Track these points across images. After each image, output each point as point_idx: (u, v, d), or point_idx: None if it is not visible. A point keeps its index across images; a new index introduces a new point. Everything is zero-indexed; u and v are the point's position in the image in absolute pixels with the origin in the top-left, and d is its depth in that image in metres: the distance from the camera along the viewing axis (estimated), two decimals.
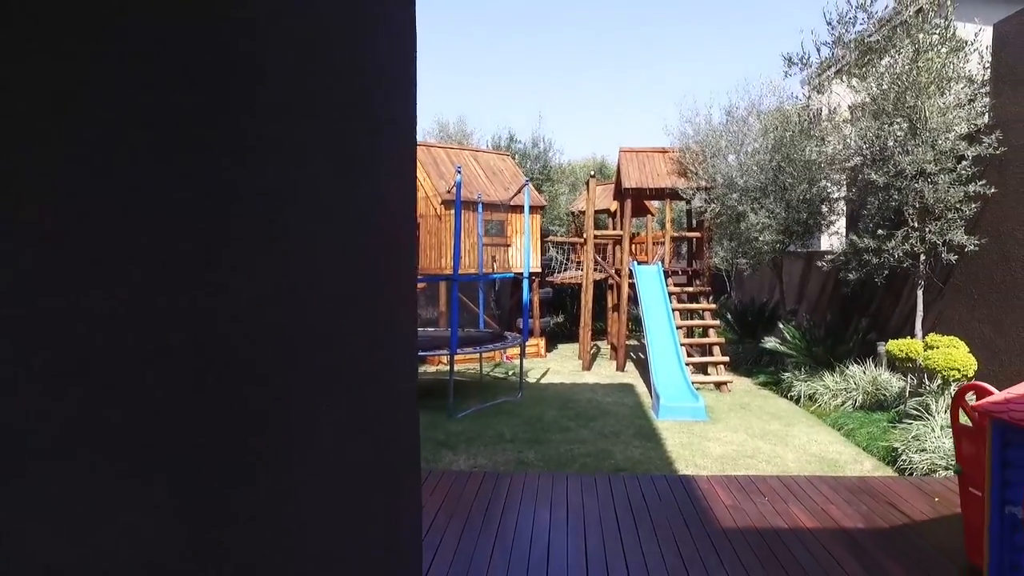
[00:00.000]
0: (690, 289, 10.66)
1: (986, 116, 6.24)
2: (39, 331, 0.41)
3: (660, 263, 10.47)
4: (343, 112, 0.79)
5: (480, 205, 9.26)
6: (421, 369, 9.63)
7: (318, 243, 0.73)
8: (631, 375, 10.00)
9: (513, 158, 12.96)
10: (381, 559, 0.92)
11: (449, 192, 9.77)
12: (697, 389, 8.10)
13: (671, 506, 3.84)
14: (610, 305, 11.91)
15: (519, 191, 10.36)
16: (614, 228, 12.63)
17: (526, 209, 8.82)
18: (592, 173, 12.01)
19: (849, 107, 7.49)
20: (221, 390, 0.57)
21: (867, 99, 6.92)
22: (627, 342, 10.80)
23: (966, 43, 6.53)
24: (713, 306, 10.30)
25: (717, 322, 10.12)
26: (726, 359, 9.36)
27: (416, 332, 1.12)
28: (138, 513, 0.48)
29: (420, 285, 10.08)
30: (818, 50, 7.42)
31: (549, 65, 49.20)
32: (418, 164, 10.05)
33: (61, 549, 0.42)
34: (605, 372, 10.29)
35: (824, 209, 8.60)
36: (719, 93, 26.34)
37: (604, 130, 47.32)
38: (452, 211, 10.09)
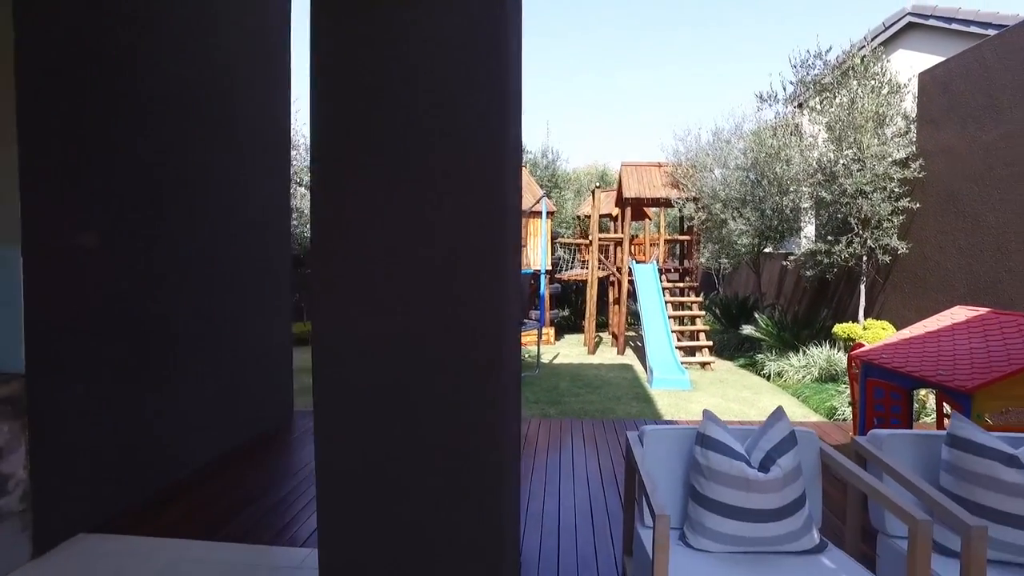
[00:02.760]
0: (681, 285, 12.30)
1: (913, 147, 7.87)
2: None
3: (655, 262, 12.11)
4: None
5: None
6: None
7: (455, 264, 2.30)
8: (630, 358, 11.63)
9: (526, 167, 14.57)
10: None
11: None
12: (684, 368, 9.74)
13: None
14: (611, 299, 13.53)
15: (537, 201, 11.93)
16: (615, 231, 14.26)
17: (543, 217, 10.37)
18: (597, 184, 13.64)
19: (810, 135, 9.12)
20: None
21: (823, 130, 8.56)
22: (626, 332, 12.42)
23: (901, 86, 8.17)
24: (700, 299, 11.94)
25: (703, 313, 11.76)
26: (710, 343, 10.99)
27: (520, 327, 2.69)
28: None
29: None
30: (784, 88, 9.05)
31: (551, 74, 50.82)
32: None
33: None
34: (607, 356, 11.91)
35: (793, 217, 10.22)
36: (708, 118, 28.77)
37: (604, 138, 48.99)
38: None
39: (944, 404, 3.80)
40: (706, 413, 2.60)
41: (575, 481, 4.32)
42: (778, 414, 2.53)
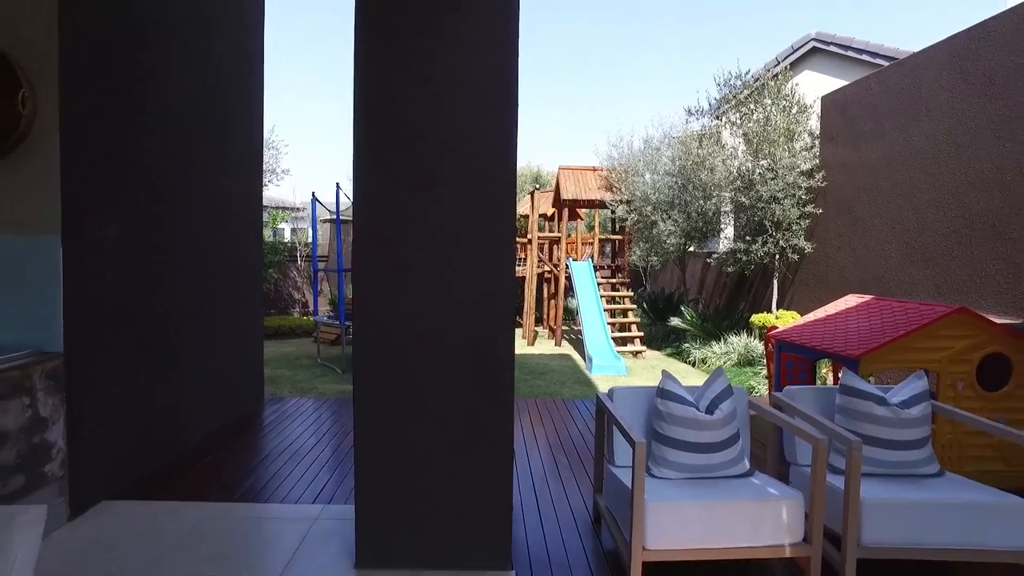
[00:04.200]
0: (614, 280, 13.23)
1: (817, 160, 9.01)
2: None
3: (590, 259, 12.98)
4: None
5: None
6: None
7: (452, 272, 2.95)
8: (567, 349, 12.45)
9: None
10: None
11: None
12: (619, 355, 10.63)
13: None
14: (547, 295, 14.33)
15: None
16: (551, 231, 15.07)
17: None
18: (536, 186, 14.41)
19: (731, 146, 10.18)
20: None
21: (742, 142, 9.61)
22: (562, 326, 13.24)
23: (807, 106, 9.31)
24: (631, 294, 12.91)
25: (634, 307, 12.73)
26: (641, 335, 11.96)
27: (512, 329, 3.35)
28: None
29: None
30: (708, 104, 10.08)
31: None
32: None
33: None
34: (546, 347, 12.69)
35: (716, 220, 11.30)
36: (638, 125, 30.53)
37: (537, 140, 50.03)
38: None
39: (839, 369, 4.71)
40: (664, 373, 3.33)
41: (538, 448, 5.00)
42: (718, 372, 3.29)
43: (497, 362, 2.97)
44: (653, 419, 3.24)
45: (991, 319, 4.23)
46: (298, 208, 20.75)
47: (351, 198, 3.15)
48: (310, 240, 14.83)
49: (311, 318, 12.66)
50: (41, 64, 3.42)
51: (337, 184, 9.12)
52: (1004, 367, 4.01)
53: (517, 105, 2.93)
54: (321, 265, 13.64)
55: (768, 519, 2.80)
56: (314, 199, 9.44)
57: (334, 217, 9.74)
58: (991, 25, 5.97)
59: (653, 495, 2.80)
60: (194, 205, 4.96)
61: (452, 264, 2.94)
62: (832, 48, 12.82)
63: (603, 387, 8.67)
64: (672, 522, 2.75)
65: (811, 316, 5.17)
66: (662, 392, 3.21)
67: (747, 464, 3.16)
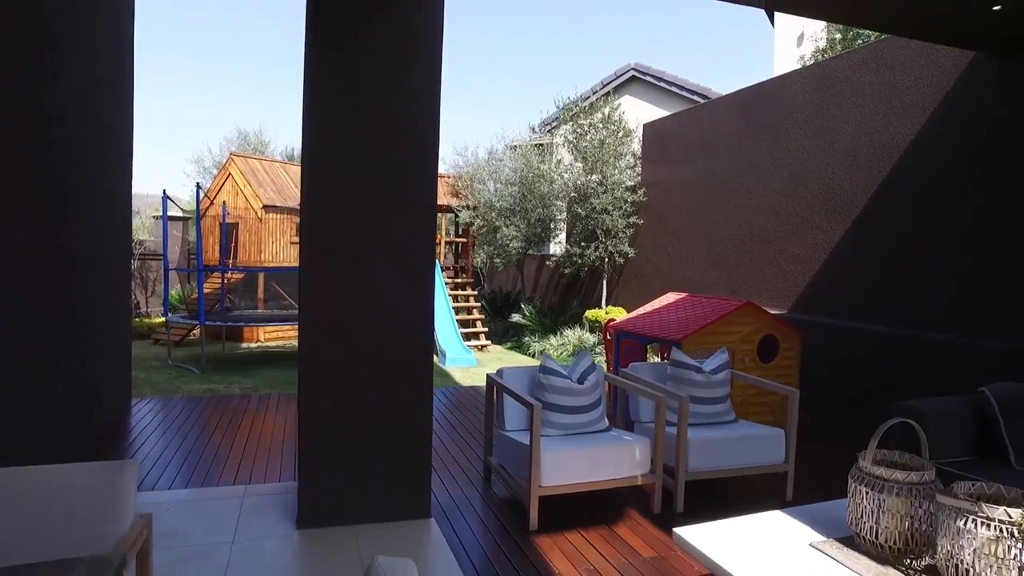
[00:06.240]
0: (458, 280, 14.12)
1: (639, 178, 10.58)
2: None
3: (437, 260, 13.75)
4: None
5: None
6: (255, 344, 11.60)
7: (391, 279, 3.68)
8: None
9: None
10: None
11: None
12: (469, 349, 11.53)
13: (467, 397, 7.06)
14: None
15: None
16: None
17: None
18: None
19: (568, 162, 11.51)
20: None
21: (579, 159, 10.95)
22: None
23: (631, 131, 10.87)
24: (475, 293, 13.89)
25: (479, 304, 13.72)
26: (485, 330, 12.97)
27: (432, 333, 4.06)
28: None
29: (238, 275, 11.97)
30: (547, 124, 11.32)
31: None
32: (240, 174, 11.93)
33: None
34: None
35: (553, 227, 12.61)
36: (483, 137, 32.32)
37: None
38: (271, 215, 12.19)
39: (665, 350, 5.96)
40: (544, 355, 4.22)
41: None
42: (583, 353, 4.25)
43: (417, 349, 3.67)
44: (536, 390, 4.11)
45: (767, 310, 5.68)
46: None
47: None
48: (146, 237, 14.00)
49: (151, 319, 12.05)
50: None
51: (197, 184, 9.01)
52: (774, 345, 5.46)
53: (438, 128, 3.65)
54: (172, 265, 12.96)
55: (625, 458, 3.79)
56: (165, 196, 9.20)
57: (189, 216, 9.56)
58: (765, 85, 7.69)
59: (543, 447, 3.67)
60: (74, 208, 4.93)
61: (381, 270, 3.58)
62: (648, 78, 14.81)
63: (458, 378, 9.49)
64: (558, 465, 3.64)
65: (641, 310, 6.41)
66: (543, 368, 4.10)
67: (606, 422, 4.15)
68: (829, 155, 6.59)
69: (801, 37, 11.71)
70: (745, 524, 2.49)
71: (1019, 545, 1.70)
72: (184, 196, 16.59)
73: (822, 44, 10.92)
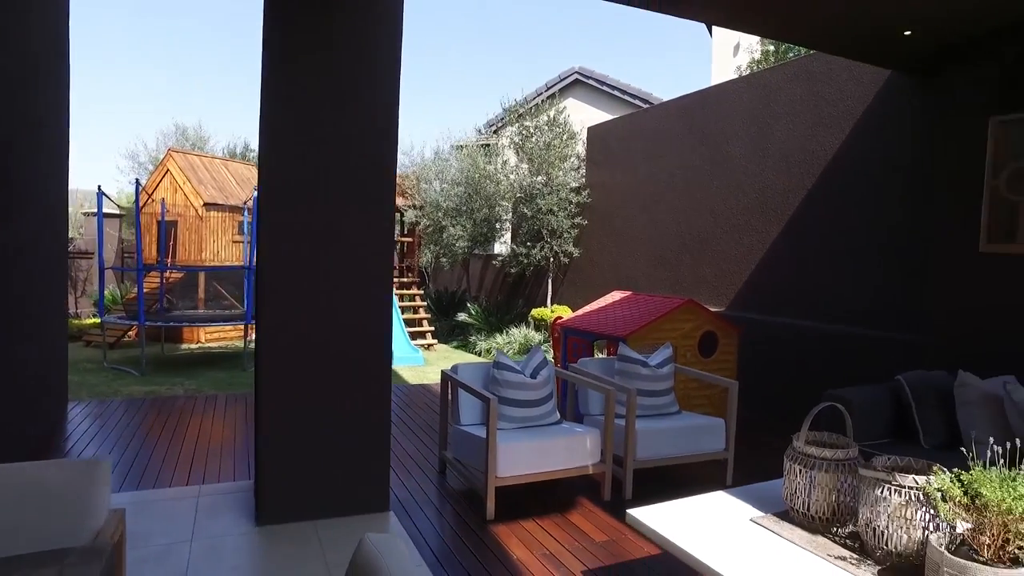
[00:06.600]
0: (404, 280, 14.11)
1: (584, 179, 10.85)
2: None
3: None
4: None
5: (245, 209, 11.25)
6: (195, 345, 11.30)
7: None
8: None
9: (250, 163, 14.86)
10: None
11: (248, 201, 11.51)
12: (416, 348, 11.56)
13: (417, 395, 7.14)
14: None
15: (250, 198, 12.29)
16: None
17: (255, 212, 10.76)
18: None
19: (515, 164, 11.69)
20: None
21: (525, 160, 11.14)
22: None
23: (575, 134, 11.13)
24: (421, 292, 13.91)
25: (425, 303, 13.75)
26: (432, 329, 13.02)
27: (391, 330, 4.14)
28: None
29: (178, 274, 11.64)
30: (492, 125, 11.47)
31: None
32: (179, 170, 11.61)
33: None
34: None
35: (499, 227, 12.76)
36: (429, 137, 32.23)
37: None
38: (212, 213, 11.90)
39: (611, 347, 6.19)
40: (498, 352, 4.36)
41: None
42: (536, 348, 4.41)
43: (375, 348, 3.75)
44: (490, 385, 4.25)
45: (707, 307, 5.99)
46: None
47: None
48: (74, 235, 13.40)
49: (80, 320, 11.57)
50: None
51: (137, 181, 8.73)
52: (714, 340, 5.76)
53: (397, 132, 3.74)
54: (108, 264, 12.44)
55: (577, 449, 3.98)
56: (100, 193, 8.87)
57: (123, 213, 9.24)
58: (705, 93, 8.06)
59: (499, 439, 3.81)
60: (14, 207, 4.79)
61: (340, 269, 3.65)
62: (591, 82, 15.15)
63: (406, 376, 9.53)
64: (513, 457, 3.79)
65: (587, 308, 6.63)
66: (498, 364, 4.24)
67: (558, 415, 4.33)
68: (764, 161, 6.98)
69: (737, 47, 12.25)
70: (692, 504, 2.70)
71: (924, 508, 1.95)
72: (115, 191, 15.95)
73: (757, 56, 11.46)
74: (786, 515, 2.48)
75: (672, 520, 2.50)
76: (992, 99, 4.69)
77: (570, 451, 3.97)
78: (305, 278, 3.59)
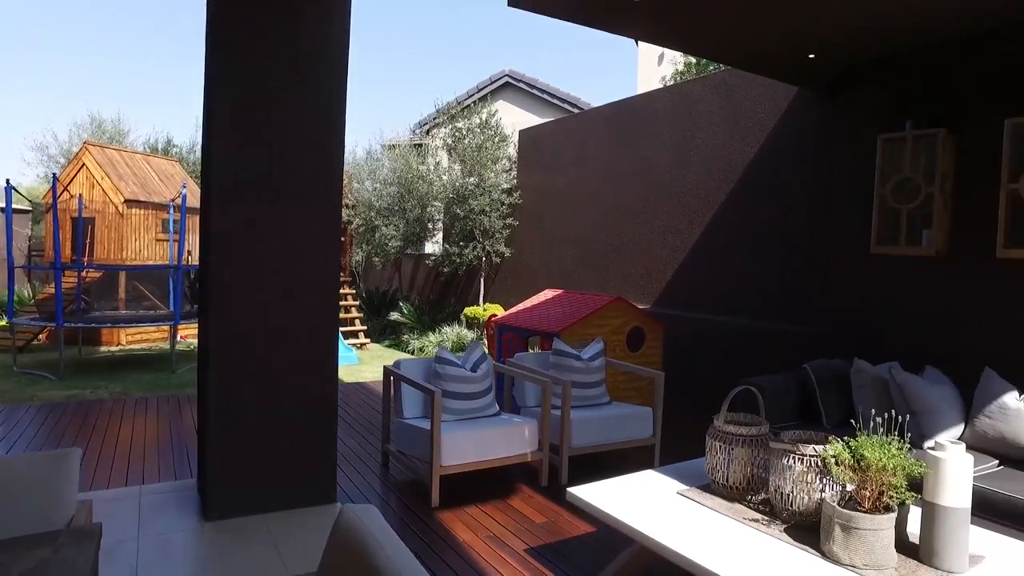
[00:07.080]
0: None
1: (515, 181, 11.13)
2: None
3: None
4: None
5: (172, 207, 10.86)
6: (116, 347, 10.84)
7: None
8: None
9: (177, 161, 14.33)
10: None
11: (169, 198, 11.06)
12: (350, 347, 11.53)
13: (354, 392, 7.20)
14: None
15: (178, 195, 11.89)
16: None
17: (183, 210, 10.48)
18: None
19: (447, 165, 11.83)
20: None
21: (457, 162, 11.31)
22: None
23: (507, 136, 11.39)
24: (352, 292, 13.84)
25: (357, 303, 13.69)
26: (364, 328, 13.00)
27: (337, 331, 4.25)
28: None
29: (96, 273, 11.13)
30: (425, 124, 11.58)
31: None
32: (96, 165, 11.12)
33: None
34: None
35: (431, 227, 12.87)
36: (362, 137, 32.14)
37: None
38: (134, 210, 11.45)
39: (545, 342, 6.47)
40: (439, 347, 4.54)
41: None
42: (476, 344, 4.62)
43: (323, 348, 3.86)
44: (433, 379, 4.42)
45: (634, 305, 6.36)
46: None
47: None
48: None
49: None
50: None
51: (55, 175, 8.33)
52: (641, 335, 6.13)
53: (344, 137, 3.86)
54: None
55: (515, 438, 4.21)
56: (9, 187, 8.43)
57: (30, 209, 8.80)
58: (632, 101, 8.48)
59: (442, 430, 4.00)
60: None
61: (286, 268, 3.74)
62: (521, 84, 15.47)
63: (341, 375, 9.51)
64: (456, 447, 3.99)
65: (520, 306, 6.89)
66: (440, 359, 4.42)
67: (497, 407, 4.55)
68: (686, 167, 7.44)
69: (661, 57, 12.84)
70: (625, 482, 2.98)
71: (821, 474, 2.28)
72: (23, 186, 15.01)
73: (680, 67, 12.06)
74: (708, 487, 2.80)
75: (608, 496, 2.77)
76: (881, 119, 5.25)
77: (509, 440, 4.19)
78: (252, 276, 3.65)
